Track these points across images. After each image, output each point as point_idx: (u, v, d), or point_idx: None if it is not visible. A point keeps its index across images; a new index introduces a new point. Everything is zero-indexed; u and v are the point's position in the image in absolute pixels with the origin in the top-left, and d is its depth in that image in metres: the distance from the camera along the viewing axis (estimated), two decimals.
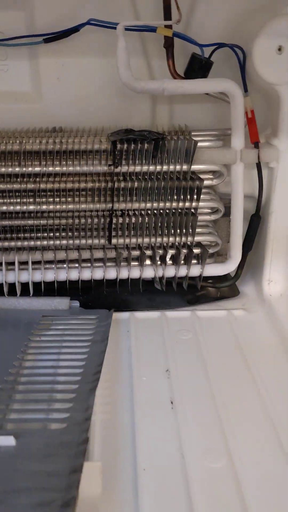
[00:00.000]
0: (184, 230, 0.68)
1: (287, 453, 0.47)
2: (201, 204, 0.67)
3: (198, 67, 0.63)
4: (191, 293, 0.74)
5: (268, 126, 0.69)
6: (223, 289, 0.75)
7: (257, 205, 0.69)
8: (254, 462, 0.46)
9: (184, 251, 0.69)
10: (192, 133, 0.66)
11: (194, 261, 0.71)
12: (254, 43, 0.60)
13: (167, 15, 0.62)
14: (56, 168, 0.63)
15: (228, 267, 0.71)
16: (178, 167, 0.64)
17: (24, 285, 0.69)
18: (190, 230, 0.68)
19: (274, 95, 0.64)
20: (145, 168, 0.64)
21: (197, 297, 0.75)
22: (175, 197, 0.66)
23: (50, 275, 0.69)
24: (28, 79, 0.69)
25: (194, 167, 0.65)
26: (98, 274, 0.69)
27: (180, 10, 0.59)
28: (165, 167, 0.64)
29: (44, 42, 0.65)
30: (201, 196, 0.67)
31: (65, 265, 0.69)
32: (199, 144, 0.64)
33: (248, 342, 0.65)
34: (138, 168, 0.64)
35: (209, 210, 0.69)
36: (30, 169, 0.63)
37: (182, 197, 0.66)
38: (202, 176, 0.66)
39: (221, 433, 0.49)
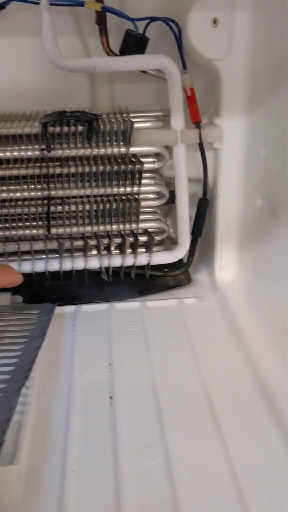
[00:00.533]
0: (127, 217, 0.65)
1: (227, 450, 0.44)
2: (144, 189, 0.64)
3: (133, 44, 0.60)
4: (143, 283, 0.71)
5: (212, 105, 0.65)
6: (176, 278, 0.73)
7: (204, 188, 0.66)
8: (191, 458, 0.43)
9: (130, 239, 0.66)
10: (132, 114, 0.63)
11: (142, 250, 0.68)
12: (188, 17, 0.57)
13: None
14: None
15: (177, 254, 0.68)
16: (115, 150, 0.61)
17: None
18: (134, 217, 0.65)
19: (214, 71, 0.61)
20: (80, 151, 0.60)
21: (149, 287, 0.72)
22: (115, 182, 0.62)
23: None
24: None
25: (133, 149, 0.61)
26: (40, 266, 0.66)
27: None
28: (101, 150, 0.60)
29: None
30: (145, 180, 0.64)
31: (3, 258, 0.65)
32: (138, 125, 0.61)
33: (197, 331, 0.62)
34: (73, 152, 0.60)
35: (154, 195, 0.66)
36: None
37: (122, 182, 0.63)
38: (144, 160, 0.63)
39: (160, 429, 0.46)
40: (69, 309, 0.68)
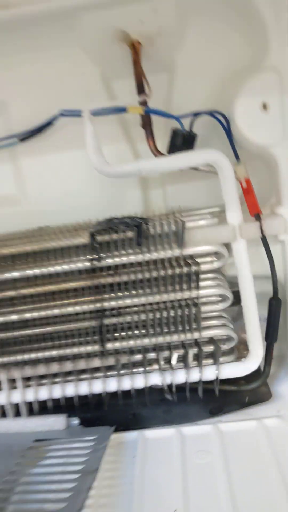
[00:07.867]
0: (188, 325, 0.57)
1: None
2: (204, 292, 0.57)
3: (181, 142, 0.57)
4: (215, 400, 0.62)
5: (273, 194, 0.59)
6: (252, 392, 0.62)
7: (274, 286, 0.58)
8: None
9: (193, 349, 0.58)
10: (185, 214, 0.58)
11: (208, 361, 0.59)
12: (234, 105, 0.53)
13: (141, 93, 0.57)
14: (35, 271, 0.57)
15: (249, 365, 0.58)
16: (169, 253, 0.55)
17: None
18: (195, 324, 0.57)
19: (269, 158, 0.55)
20: (132, 258, 0.56)
21: (221, 405, 0.62)
22: (172, 287, 0.56)
23: (43, 393, 0.60)
24: (11, 181, 0.66)
25: (188, 250, 0.56)
26: (97, 386, 0.59)
27: (148, 84, 0.55)
28: (154, 255, 0.56)
29: (20, 141, 0.62)
30: (204, 282, 0.57)
31: (59, 379, 0.59)
32: (191, 224, 0.56)
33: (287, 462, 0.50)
34: (124, 259, 0.56)
35: (217, 298, 0.59)
36: (6, 275, 0.57)
37: (179, 286, 0.57)
38: (201, 260, 0.57)
39: None
40: (130, 435, 0.59)
